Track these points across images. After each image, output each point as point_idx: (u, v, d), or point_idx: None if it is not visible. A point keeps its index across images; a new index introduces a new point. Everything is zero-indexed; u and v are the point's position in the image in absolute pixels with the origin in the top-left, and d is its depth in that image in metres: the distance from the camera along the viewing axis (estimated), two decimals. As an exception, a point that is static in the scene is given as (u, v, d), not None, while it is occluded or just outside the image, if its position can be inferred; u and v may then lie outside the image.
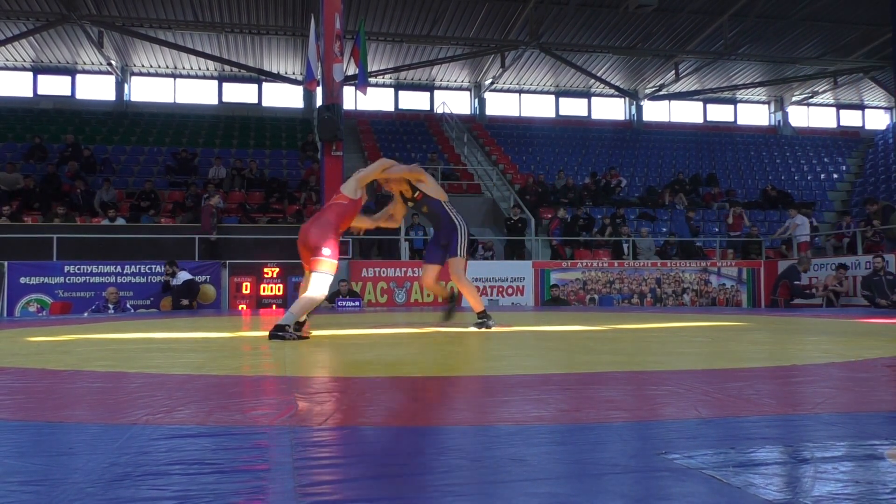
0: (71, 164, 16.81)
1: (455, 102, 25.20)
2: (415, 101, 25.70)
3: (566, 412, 2.27)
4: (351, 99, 23.57)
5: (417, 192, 6.01)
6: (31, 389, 2.82)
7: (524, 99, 26.17)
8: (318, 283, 5.11)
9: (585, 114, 26.84)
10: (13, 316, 11.58)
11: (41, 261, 12.49)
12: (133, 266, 12.51)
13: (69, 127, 20.26)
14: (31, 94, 22.77)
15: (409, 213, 6.24)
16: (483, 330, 5.79)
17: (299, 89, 23.93)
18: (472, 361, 3.77)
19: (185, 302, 12.00)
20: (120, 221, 14.46)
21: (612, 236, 16.24)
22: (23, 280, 12.02)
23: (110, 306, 11.43)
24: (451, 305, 6.28)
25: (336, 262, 5.16)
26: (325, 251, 5.09)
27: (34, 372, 3.29)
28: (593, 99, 26.97)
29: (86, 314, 10.71)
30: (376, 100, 24.99)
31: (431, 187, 6.02)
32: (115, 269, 12.44)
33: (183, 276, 12.20)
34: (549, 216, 17.37)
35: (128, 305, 11.78)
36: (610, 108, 27.00)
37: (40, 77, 22.88)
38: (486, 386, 2.86)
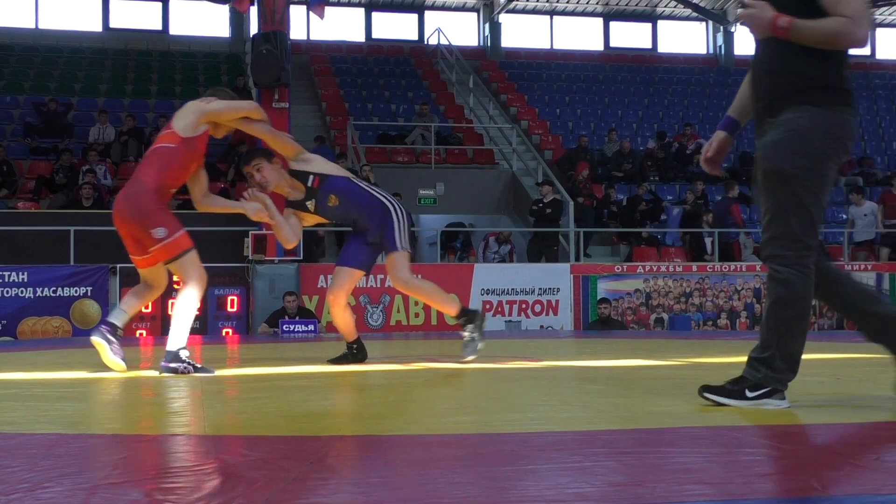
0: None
1: (455, 29, 25.26)
2: (396, 27, 25.70)
3: (621, 487, 2.26)
4: (301, 24, 23.58)
5: (312, 178, 5.87)
6: None
7: (558, 24, 26.17)
8: (190, 275, 5.28)
9: (649, 45, 26.86)
10: None
11: None
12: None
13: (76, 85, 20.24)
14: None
15: (324, 217, 6.10)
16: (474, 339, 5.92)
17: (224, 10, 23.91)
18: (480, 412, 3.76)
19: None
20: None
21: (689, 227, 16.23)
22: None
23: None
24: (356, 346, 6.14)
25: (186, 236, 5.35)
26: (159, 232, 5.26)
27: None
28: (661, 24, 26.99)
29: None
30: (339, 26, 25.02)
31: (318, 161, 6.00)
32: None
33: None
34: (595, 197, 17.40)
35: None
36: (685, 38, 27.03)
37: None
38: (504, 448, 2.85)
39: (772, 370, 3.48)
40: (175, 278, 5.81)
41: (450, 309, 6.16)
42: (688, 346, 8.20)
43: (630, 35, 26.73)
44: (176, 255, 5.33)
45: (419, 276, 6.81)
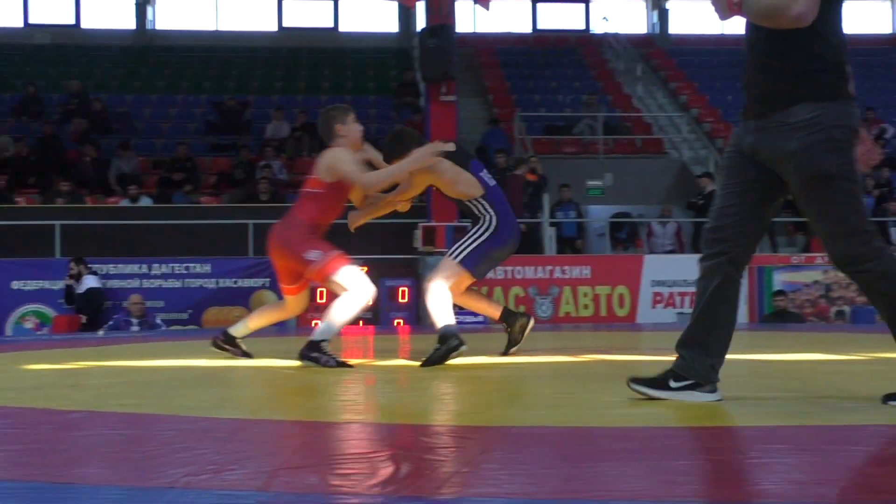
0: (76, 121, 17.73)
1: (623, 17, 24.93)
2: (562, 17, 25.56)
3: (802, 485, 2.21)
4: (468, 17, 23.72)
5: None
6: (30, 438, 2.99)
7: (730, 8, 25.54)
8: (353, 284, 5.37)
9: (826, 26, 25.94)
10: (4, 335, 12.30)
11: (39, 258, 13.20)
12: (164, 265, 13.04)
13: (73, 69, 21.34)
14: (21, 24, 24.17)
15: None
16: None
17: (393, 5, 24.28)
18: (648, 405, 3.71)
19: (84, 320, 12.24)
20: (145, 202, 15.12)
21: (872, 215, 15.60)
22: (16, 285, 12.77)
23: (134, 321, 11.96)
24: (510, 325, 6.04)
25: (342, 257, 5.49)
26: (312, 255, 5.42)
27: (33, 413, 3.49)
28: (844, 3, 26.03)
29: (101, 332, 11.25)
30: (505, 17, 25.05)
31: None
32: (140, 268, 13.01)
33: (89, 280, 12.43)
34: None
35: (157, 320, 12.29)
36: (867, 16, 25.95)
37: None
38: (674, 443, 2.82)
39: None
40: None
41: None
42: (871, 340, 7.88)
43: (807, 17, 25.87)
44: (330, 273, 5.42)
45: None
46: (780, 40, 3.30)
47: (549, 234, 14.39)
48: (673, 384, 3.42)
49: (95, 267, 12.73)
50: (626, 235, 16.12)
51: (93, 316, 12.31)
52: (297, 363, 5.34)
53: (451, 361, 5.23)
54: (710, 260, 3.52)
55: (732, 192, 3.49)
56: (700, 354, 3.49)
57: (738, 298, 3.58)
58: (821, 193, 3.31)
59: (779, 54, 3.33)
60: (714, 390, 3.47)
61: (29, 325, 12.61)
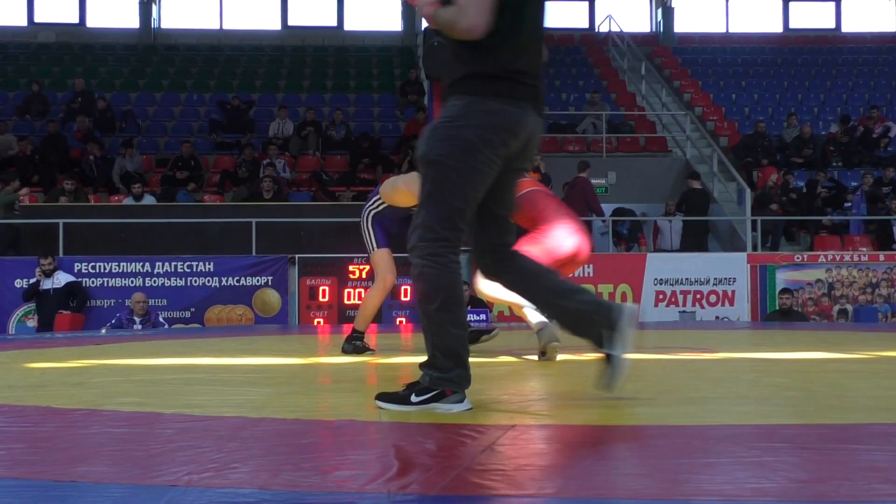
0: (80, 119, 17.78)
1: (627, 15, 24.94)
2: (566, 14, 25.57)
3: (803, 483, 2.21)
4: (471, 15, 23.68)
5: None
6: (33, 436, 3.00)
7: (734, 7, 25.54)
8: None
9: (832, 25, 25.93)
10: (6, 334, 12.33)
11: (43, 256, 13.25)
12: (167, 263, 13.09)
13: (77, 68, 21.40)
14: (25, 23, 24.22)
15: None
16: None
17: (397, 4, 24.31)
18: (654, 403, 3.72)
19: (66, 314, 12.25)
20: (149, 200, 15.16)
21: (875, 214, 15.60)
22: (18, 283, 12.81)
23: (136, 320, 11.99)
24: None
25: None
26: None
27: (36, 411, 3.50)
28: (844, 1, 25.97)
29: (103, 331, 11.27)
30: (509, 15, 25.02)
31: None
32: (143, 266, 13.04)
33: (63, 275, 12.48)
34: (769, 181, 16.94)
35: (160, 319, 12.32)
36: (872, 15, 25.93)
37: (39, -1, 24.31)
38: (679, 441, 2.82)
39: (438, 371, 3.27)
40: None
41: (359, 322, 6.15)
42: (874, 338, 7.89)
43: (811, 15, 25.90)
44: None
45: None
46: (454, 43, 3.35)
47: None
48: (414, 398, 3.31)
49: (99, 266, 12.81)
50: (627, 232, 16.14)
51: (79, 308, 12.39)
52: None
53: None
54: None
55: None
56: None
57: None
58: (421, 177, 3.35)
59: (454, 51, 3.36)
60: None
61: (31, 323, 12.65)
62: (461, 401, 3.30)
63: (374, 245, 6.02)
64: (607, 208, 16.35)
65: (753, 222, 15.00)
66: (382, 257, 5.99)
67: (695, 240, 15.19)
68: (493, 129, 3.26)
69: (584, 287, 3.63)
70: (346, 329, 6.56)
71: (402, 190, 5.89)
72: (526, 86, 3.33)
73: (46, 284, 12.35)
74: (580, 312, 3.43)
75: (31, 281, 12.47)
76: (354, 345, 5.98)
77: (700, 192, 15.88)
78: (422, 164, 3.35)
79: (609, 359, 3.38)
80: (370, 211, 6.03)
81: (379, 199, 6.05)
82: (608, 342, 3.37)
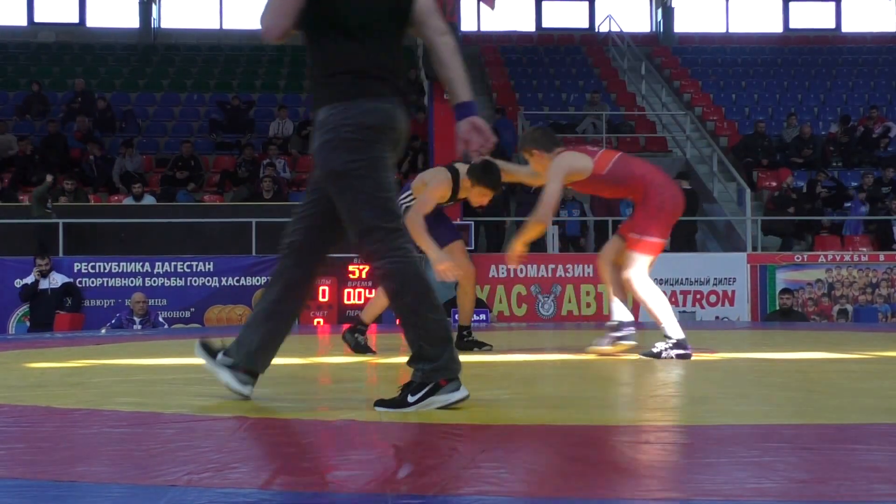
0: (80, 119, 17.77)
1: (627, 15, 24.94)
2: (566, 15, 25.57)
3: (802, 483, 2.21)
4: (471, 16, 23.73)
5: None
6: (32, 436, 3.00)
7: (734, 7, 25.53)
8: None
9: (832, 25, 25.92)
10: (6, 334, 12.34)
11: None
12: (167, 263, 13.09)
13: (77, 68, 21.40)
14: (24, 23, 24.21)
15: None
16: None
17: (396, 4, 24.25)
18: (655, 405, 3.72)
19: (66, 314, 12.21)
20: (148, 200, 15.16)
21: (875, 214, 15.60)
22: (18, 283, 12.80)
23: (136, 320, 11.99)
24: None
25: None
26: None
27: (36, 411, 3.50)
28: (845, 1, 25.97)
29: (103, 331, 11.28)
30: (509, 16, 25.06)
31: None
32: (143, 266, 13.04)
33: (59, 277, 12.44)
34: (771, 183, 16.93)
35: (160, 319, 12.33)
36: (872, 15, 25.93)
37: (39, -1, 24.30)
38: (680, 441, 2.81)
39: (428, 362, 3.30)
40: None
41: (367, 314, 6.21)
42: (874, 338, 7.89)
43: (811, 15, 25.89)
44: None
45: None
46: (307, 50, 3.47)
47: (552, 233, 14.39)
48: (410, 398, 3.32)
49: (99, 266, 12.82)
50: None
51: (75, 308, 12.39)
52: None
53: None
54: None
55: (310, 188, 3.64)
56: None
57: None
58: (336, 191, 3.39)
59: (309, 63, 3.48)
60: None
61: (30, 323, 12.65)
62: (457, 389, 3.31)
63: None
64: (607, 208, 16.34)
65: (763, 224, 15.00)
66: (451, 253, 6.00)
67: (684, 240, 15.14)
68: (378, 128, 3.37)
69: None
70: (346, 329, 6.56)
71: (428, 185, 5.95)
72: (388, 80, 3.41)
73: (44, 285, 12.36)
74: (264, 330, 3.60)
75: (28, 281, 12.47)
76: (355, 338, 6.00)
77: (689, 192, 15.77)
78: (330, 182, 3.41)
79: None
80: (403, 206, 5.91)
81: (410, 194, 6.07)
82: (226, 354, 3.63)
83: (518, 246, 5.68)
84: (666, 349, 5.57)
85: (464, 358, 5.44)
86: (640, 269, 5.67)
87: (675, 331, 5.60)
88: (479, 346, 6.31)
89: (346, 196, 3.36)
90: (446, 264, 5.70)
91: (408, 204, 5.98)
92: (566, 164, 5.64)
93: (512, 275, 13.20)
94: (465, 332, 6.36)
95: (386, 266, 3.34)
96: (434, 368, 3.29)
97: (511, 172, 6.32)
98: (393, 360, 5.74)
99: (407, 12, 3.45)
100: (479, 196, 6.01)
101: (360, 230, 3.37)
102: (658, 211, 5.62)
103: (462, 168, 6.02)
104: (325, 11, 3.35)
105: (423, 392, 3.28)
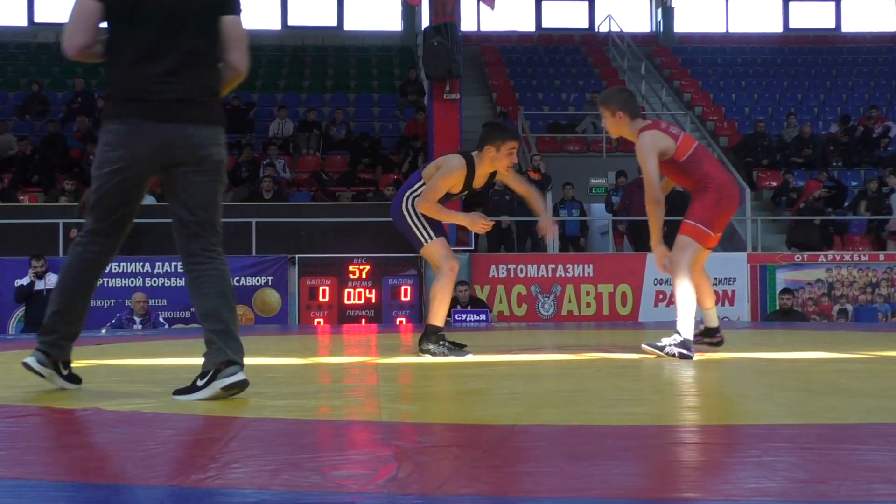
0: (80, 119, 17.77)
1: (627, 15, 24.95)
2: (566, 15, 25.58)
3: (802, 483, 2.21)
4: (471, 16, 23.73)
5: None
6: (32, 436, 3.00)
7: (734, 7, 25.54)
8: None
9: (832, 25, 25.94)
10: (6, 334, 12.34)
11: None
12: (167, 263, 13.09)
13: (77, 68, 21.37)
14: (25, 23, 24.20)
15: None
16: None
17: (397, 4, 24.30)
18: (655, 404, 3.72)
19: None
20: (149, 200, 15.15)
21: (875, 214, 15.61)
22: (18, 283, 12.80)
23: (137, 319, 12.00)
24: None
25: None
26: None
27: (36, 411, 3.50)
28: (844, 1, 25.98)
29: (103, 331, 11.28)
30: (509, 16, 25.07)
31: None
32: (143, 267, 13.05)
33: (54, 277, 12.45)
34: (774, 183, 16.93)
35: (160, 319, 12.33)
36: (872, 15, 25.93)
37: (39, -1, 24.29)
38: (678, 441, 2.82)
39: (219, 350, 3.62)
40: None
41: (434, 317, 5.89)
42: (874, 338, 7.89)
43: (811, 15, 25.90)
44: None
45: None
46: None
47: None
48: (199, 382, 3.64)
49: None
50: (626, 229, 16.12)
51: None
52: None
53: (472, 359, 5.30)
54: None
55: None
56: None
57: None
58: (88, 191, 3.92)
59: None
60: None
61: (32, 323, 12.66)
62: (236, 373, 3.62)
63: (429, 236, 5.81)
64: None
65: (789, 235, 15.06)
66: (439, 247, 5.85)
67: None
68: (114, 147, 3.69)
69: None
70: (347, 329, 6.56)
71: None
72: (136, 102, 3.68)
73: (40, 286, 12.37)
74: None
75: (24, 283, 12.47)
76: (441, 345, 5.67)
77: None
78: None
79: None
80: (412, 197, 5.85)
81: (422, 183, 5.88)
82: None
83: (660, 248, 5.87)
84: (671, 345, 5.57)
85: (464, 359, 5.46)
86: (685, 257, 5.74)
87: (686, 330, 5.60)
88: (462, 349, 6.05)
89: (90, 195, 3.89)
90: (480, 221, 5.85)
91: (415, 194, 5.85)
92: (657, 143, 5.71)
93: (512, 275, 13.21)
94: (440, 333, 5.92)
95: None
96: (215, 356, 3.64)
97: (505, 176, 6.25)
98: (393, 360, 5.75)
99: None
100: (507, 157, 5.89)
101: (88, 225, 3.85)
102: (714, 205, 5.74)
103: (474, 153, 5.93)
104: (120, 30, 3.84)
105: (206, 378, 3.60)
